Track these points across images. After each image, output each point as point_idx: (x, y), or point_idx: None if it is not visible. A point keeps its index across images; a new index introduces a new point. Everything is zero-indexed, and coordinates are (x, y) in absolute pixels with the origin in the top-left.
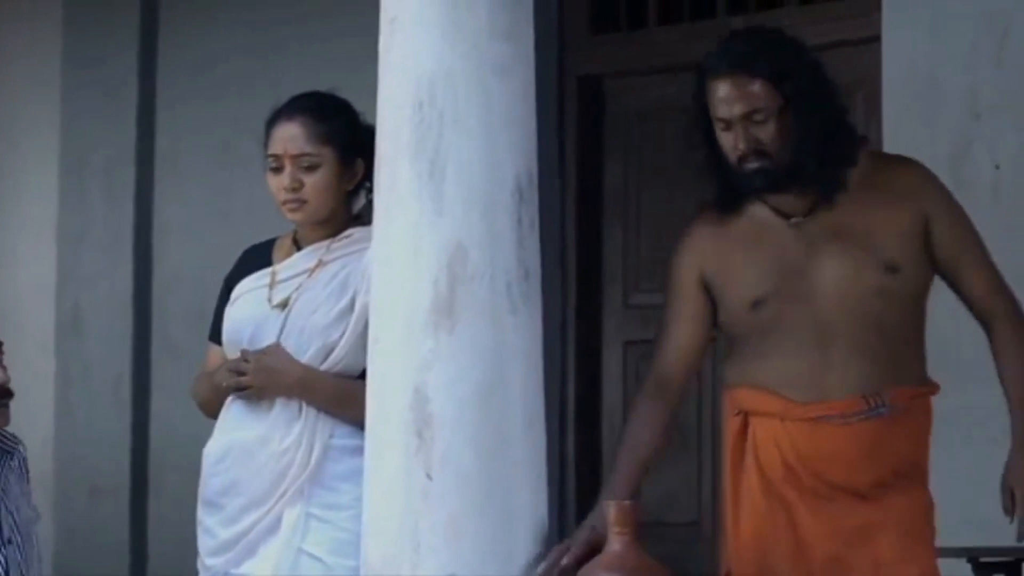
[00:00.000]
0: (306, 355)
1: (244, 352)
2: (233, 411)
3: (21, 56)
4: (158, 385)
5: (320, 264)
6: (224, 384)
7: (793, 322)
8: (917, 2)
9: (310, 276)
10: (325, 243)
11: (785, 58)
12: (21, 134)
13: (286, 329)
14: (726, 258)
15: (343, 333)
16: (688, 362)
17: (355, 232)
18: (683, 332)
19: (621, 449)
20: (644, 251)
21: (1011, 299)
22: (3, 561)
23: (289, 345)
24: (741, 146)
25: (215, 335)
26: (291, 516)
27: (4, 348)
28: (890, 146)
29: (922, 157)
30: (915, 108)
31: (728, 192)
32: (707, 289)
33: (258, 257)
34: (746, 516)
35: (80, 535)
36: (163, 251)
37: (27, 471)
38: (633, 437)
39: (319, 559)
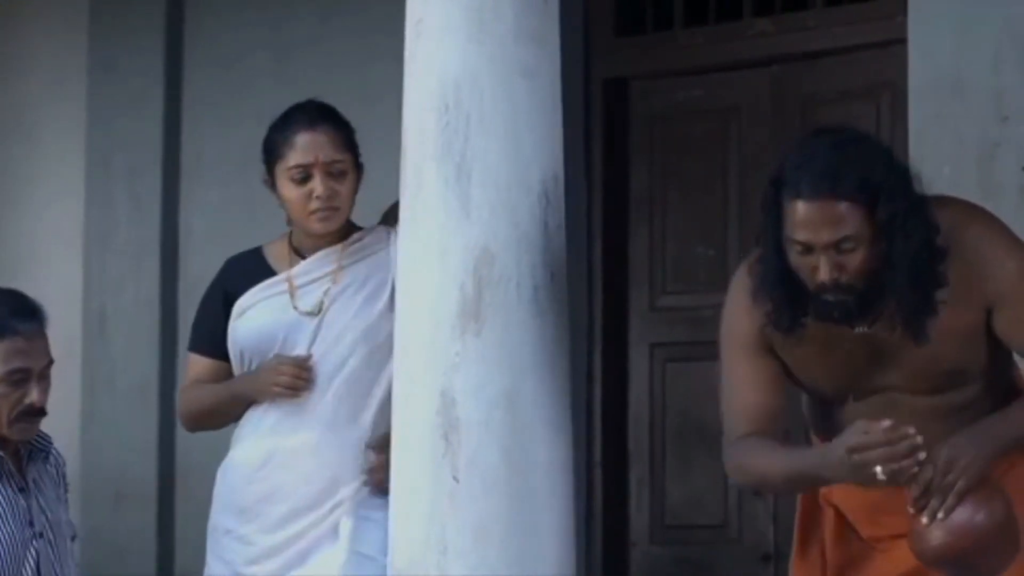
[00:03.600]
0: (351, 360)
1: (283, 358)
2: (271, 417)
3: (46, 57)
4: None
5: (340, 268)
6: (275, 388)
7: (864, 408)
8: (942, 5)
9: (335, 281)
10: (337, 247)
11: (878, 177)
12: (46, 136)
13: (320, 335)
14: (791, 351)
15: (389, 334)
16: (777, 422)
17: (365, 236)
18: (761, 400)
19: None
20: (670, 253)
21: None
22: (34, 553)
23: (325, 350)
24: (823, 276)
25: (201, 347)
26: (348, 525)
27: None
28: (916, 149)
29: (948, 160)
30: (941, 111)
31: (791, 310)
32: (778, 356)
33: (252, 266)
34: (817, 547)
35: (106, 540)
36: (188, 255)
37: (65, 481)
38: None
39: (372, 558)
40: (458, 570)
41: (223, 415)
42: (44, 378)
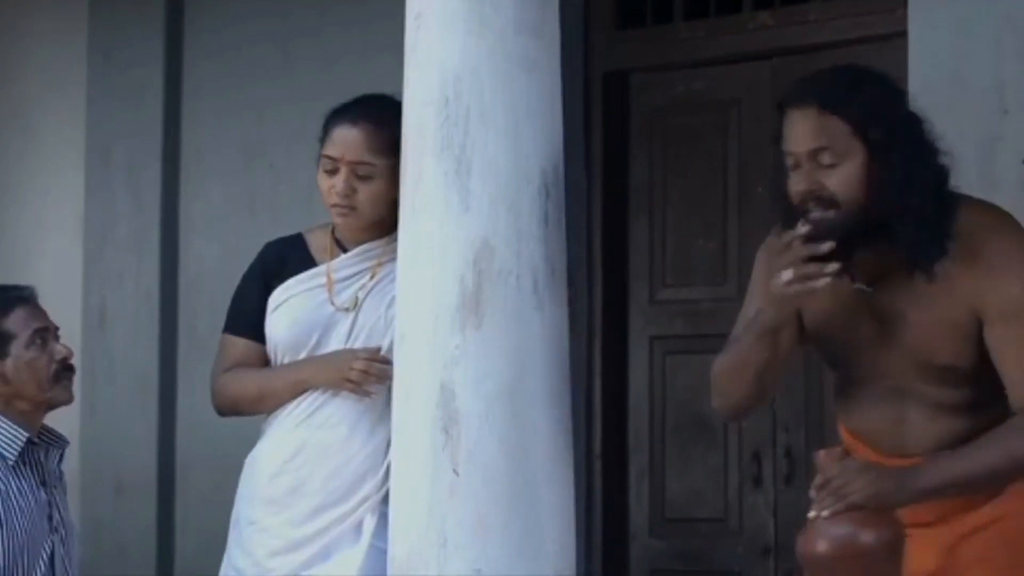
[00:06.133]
0: (384, 353)
1: (359, 351)
2: (302, 409)
3: (46, 49)
4: (184, 382)
5: (380, 263)
6: (348, 384)
7: (867, 377)
8: None
9: (372, 277)
10: (379, 243)
11: (867, 97)
12: (45, 129)
13: (354, 331)
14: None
15: None
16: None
17: None
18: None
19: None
20: (670, 247)
21: None
22: (49, 547)
23: (360, 345)
24: (800, 184)
25: (242, 329)
26: (371, 522)
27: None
28: None
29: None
30: (941, 104)
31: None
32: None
33: (293, 253)
34: None
35: (106, 532)
36: (189, 247)
37: (64, 482)
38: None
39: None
40: (458, 564)
41: (274, 400)
42: (59, 339)
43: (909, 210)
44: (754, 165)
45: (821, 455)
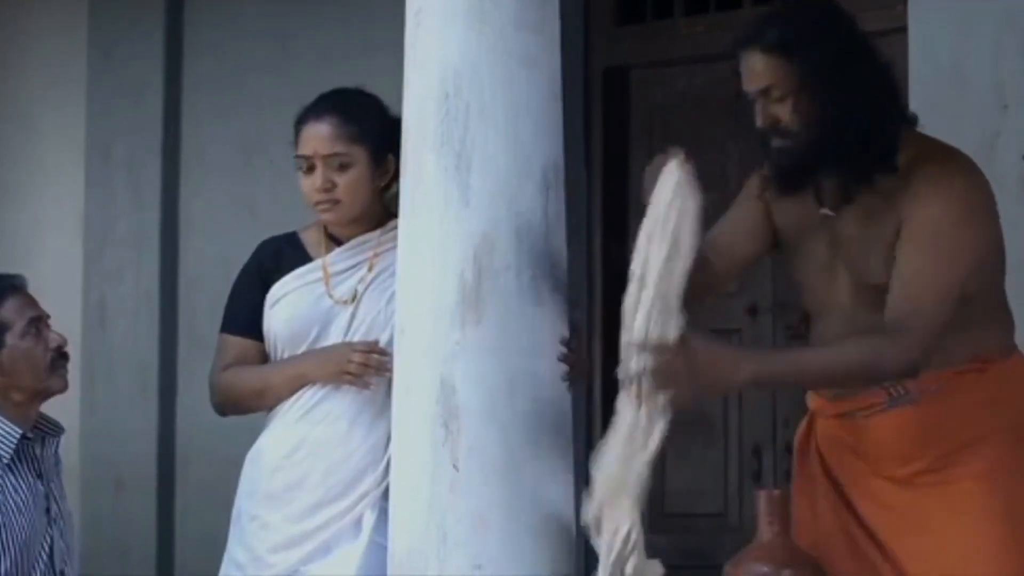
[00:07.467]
0: (384, 347)
1: (355, 344)
2: (301, 404)
3: (46, 46)
4: (184, 379)
5: (376, 255)
6: (346, 376)
7: (822, 307)
8: None
9: (370, 269)
10: (373, 235)
11: (801, 31)
12: (46, 125)
13: (354, 324)
14: (783, 220)
15: None
16: (721, 256)
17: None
18: (720, 230)
19: None
20: None
21: (913, 329)
22: (49, 540)
23: (360, 339)
24: (759, 123)
25: (239, 328)
26: (371, 518)
27: (49, 322)
28: None
29: None
30: (942, 99)
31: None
32: (773, 226)
33: (288, 250)
34: (802, 498)
35: (106, 528)
36: (189, 245)
37: (61, 469)
38: None
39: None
40: (458, 560)
41: (273, 396)
42: (49, 328)
43: (848, 130)
44: (755, 161)
45: (762, 495)
